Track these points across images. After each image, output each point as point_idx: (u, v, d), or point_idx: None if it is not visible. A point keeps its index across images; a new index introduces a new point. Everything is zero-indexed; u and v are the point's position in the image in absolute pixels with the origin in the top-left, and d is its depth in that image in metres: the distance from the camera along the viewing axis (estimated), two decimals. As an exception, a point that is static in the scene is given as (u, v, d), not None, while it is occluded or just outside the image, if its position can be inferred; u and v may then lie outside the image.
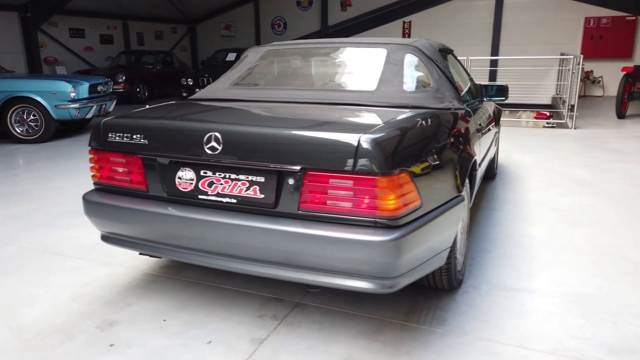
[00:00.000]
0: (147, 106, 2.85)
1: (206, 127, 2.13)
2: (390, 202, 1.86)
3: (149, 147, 2.25)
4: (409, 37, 15.52)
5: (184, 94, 11.96)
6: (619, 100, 9.21)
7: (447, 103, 2.67)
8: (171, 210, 2.21)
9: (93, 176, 2.49)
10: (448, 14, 14.94)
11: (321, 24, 16.40)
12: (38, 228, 3.80)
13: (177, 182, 2.24)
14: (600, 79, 14.03)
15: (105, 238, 2.54)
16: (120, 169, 2.37)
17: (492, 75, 14.30)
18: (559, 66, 12.21)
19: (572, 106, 8.61)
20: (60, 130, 8.55)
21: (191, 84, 11.78)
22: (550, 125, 8.71)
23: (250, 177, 2.08)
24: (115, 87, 11.91)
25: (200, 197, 2.19)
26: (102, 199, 2.39)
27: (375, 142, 1.85)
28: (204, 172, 2.18)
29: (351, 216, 1.93)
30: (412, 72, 2.74)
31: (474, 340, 2.24)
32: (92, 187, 4.94)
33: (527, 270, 2.96)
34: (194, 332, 2.36)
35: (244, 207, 2.11)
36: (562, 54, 12.36)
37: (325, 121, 2.16)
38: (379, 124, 2.03)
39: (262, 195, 2.06)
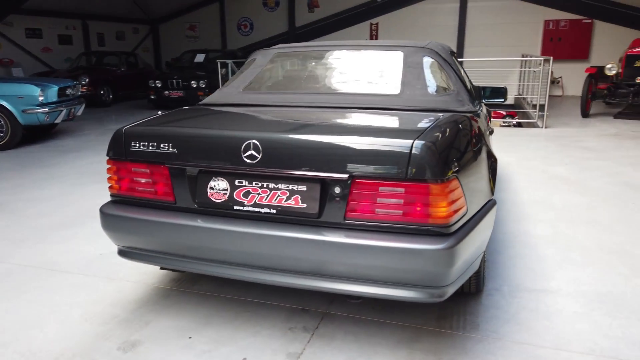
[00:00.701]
0: (160, 112, 2.71)
1: (244, 134, 2.03)
2: (442, 209, 1.84)
3: (179, 156, 2.13)
4: (376, 38, 15.67)
5: (152, 97, 11.61)
6: (584, 100, 9.59)
7: (467, 106, 2.68)
8: (203, 222, 2.10)
9: (111, 188, 2.35)
10: (414, 16, 15.16)
11: (289, 25, 16.31)
12: (26, 243, 3.56)
13: (208, 193, 2.13)
14: (559, 79, 14.59)
15: (124, 253, 2.39)
16: (143, 180, 2.24)
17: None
18: (521, 67, 12.63)
19: (542, 106, 8.89)
20: (25, 135, 8.10)
21: (160, 85, 11.45)
22: (506, 124, 8.97)
23: (290, 186, 2.00)
24: (79, 89, 11.41)
25: (235, 207, 2.09)
26: (124, 211, 2.25)
27: (428, 148, 1.82)
28: (239, 182, 2.08)
29: (401, 224, 1.89)
30: (432, 75, 2.73)
31: (511, 345, 2.25)
32: (75, 197, 4.69)
33: (541, 270, 3.01)
34: (225, 349, 2.26)
35: (284, 217, 2.03)
36: (523, 55, 12.79)
37: (367, 127, 2.11)
38: (424, 129, 1.99)
39: (305, 205, 1.99)
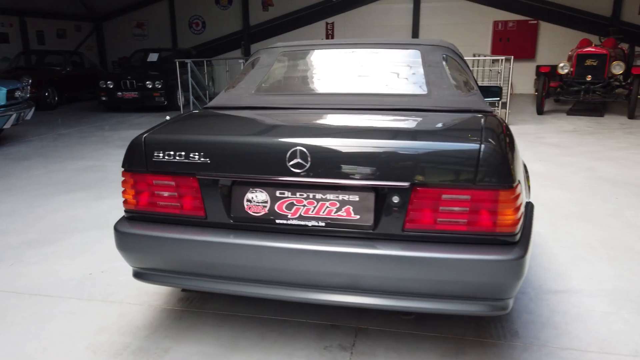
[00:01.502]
0: (167, 117, 2.46)
1: (289, 141, 1.85)
2: (510, 217, 1.74)
3: (211, 166, 1.91)
4: (332, 37, 15.63)
5: (103, 98, 10.97)
6: (540, 97, 9.97)
7: (489, 106, 2.61)
8: (240, 239, 1.90)
9: (126, 203, 2.09)
10: (369, 16, 15.24)
11: (243, 24, 15.94)
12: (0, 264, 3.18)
13: (245, 206, 1.93)
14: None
15: (140, 275, 2.14)
16: (167, 194, 2.00)
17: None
18: (476, 67, 12.98)
19: (504, 103, 9.15)
20: (-34, 142, 7.39)
21: (112, 86, 10.82)
22: None
23: (341, 196, 1.84)
24: (21, 91, 10.57)
25: (278, 221, 1.91)
26: (145, 229, 2.01)
27: (497, 152, 1.72)
28: (281, 193, 1.90)
29: (465, 234, 1.78)
30: (455, 74, 2.64)
31: (557, 351, 2.20)
32: (43, 209, 4.27)
33: (556, 270, 3.01)
34: (262, 375, 2.07)
35: (335, 230, 1.87)
36: (474, 55, 13.15)
37: (421, 130, 1.97)
38: (481, 131, 1.88)
39: (358, 216, 1.84)
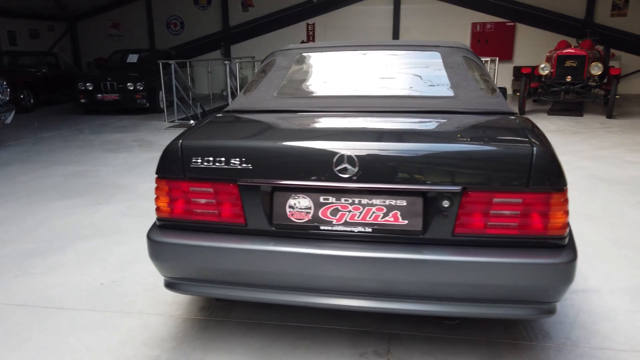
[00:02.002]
0: (192, 122, 2.38)
1: (336, 146, 1.81)
2: (560, 220, 1.75)
3: (253, 172, 1.86)
4: (313, 39, 15.61)
5: (82, 100, 10.66)
6: (522, 98, 10.16)
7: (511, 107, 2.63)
8: (284, 246, 1.85)
9: (159, 211, 2.01)
10: (350, 17, 15.27)
11: (222, 25, 15.75)
12: (3, 277, 3.03)
13: (288, 212, 1.88)
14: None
15: (172, 285, 2.07)
16: (204, 201, 1.94)
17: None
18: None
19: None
20: (-58, 147, 7.07)
21: (91, 88, 10.54)
22: None
23: (387, 201, 1.81)
24: (-5, 93, 10.19)
25: (322, 228, 1.86)
26: (181, 238, 1.94)
27: (549, 155, 1.72)
28: (325, 199, 1.86)
29: (516, 238, 1.77)
30: (476, 75, 2.65)
31: (591, 351, 2.22)
32: (39, 217, 4.11)
33: (571, 269, 3.04)
34: (303, 385, 2.02)
35: (382, 236, 1.84)
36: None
37: (468, 133, 1.96)
38: (526, 134, 1.88)
39: (406, 222, 1.81)
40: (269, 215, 1.90)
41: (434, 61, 2.73)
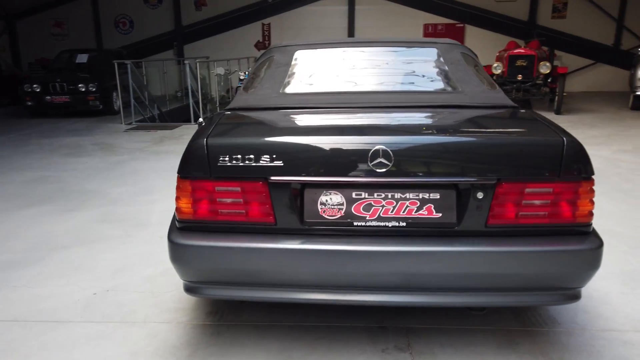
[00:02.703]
0: (201, 120, 2.30)
1: (371, 140, 1.80)
2: (587, 207, 1.82)
3: (284, 169, 1.81)
4: (269, 39, 15.49)
5: (29, 103, 10.06)
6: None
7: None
8: (317, 244, 1.82)
9: (180, 212, 1.92)
10: (306, 17, 15.28)
11: (175, 24, 15.33)
12: (-18, 291, 2.81)
13: (320, 209, 1.85)
14: (440, 78, 15.86)
15: (193, 289, 1.98)
16: (230, 200, 1.87)
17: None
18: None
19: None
20: None
21: (39, 90, 9.96)
22: None
23: (421, 195, 1.82)
24: None
25: (356, 224, 1.85)
26: (207, 240, 1.86)
27: (578, 145, 1.79)
28: (357, 194, 1.84)
29: (546, 227, 1.83)
30: (477, 71, 2.71)
31: (599, 333, 2.33)
32: (10, 225, 3.83)
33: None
34: (334, 385, 2.00)
35: (417, 230, 1.84)
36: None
37: (496, 126, 1.99)
38: (547, 127, 1.94)
39: (439, 215, 1.83)
40: (300, 212, 1.86)
41: (433, 57, 2.77)
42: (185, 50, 15.50)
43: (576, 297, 1.90)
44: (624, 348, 2.21)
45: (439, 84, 2.59)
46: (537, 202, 1.81)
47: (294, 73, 2.71)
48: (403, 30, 15.38)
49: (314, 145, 1.85)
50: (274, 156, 1.81)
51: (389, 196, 1.83)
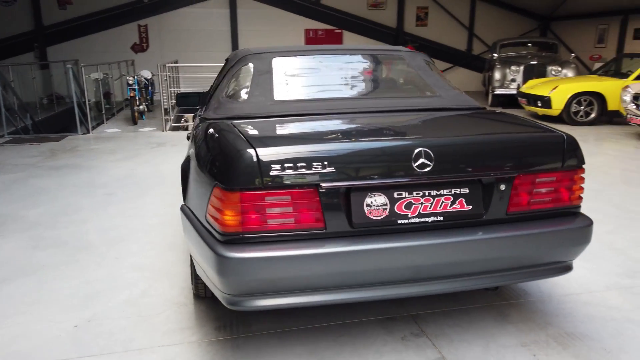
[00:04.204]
0: (211, 130, 2.24)
1: (414, 142, 1.94)
2: (579, 191, 2.18)
3: (335, 175, 1.87)
4: (147, 41, 14.69)
5: None
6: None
7: None
8: (367, 245, 1.92)
9: (225, 225, 1.86)
10: (186, 20, 14.78)
11: (35, 23, 13.73)
12: None
13: (366, 211, 1.95)
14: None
15: (238, 303, 1.94)
16: (280, 210, 1.87)
17: (236, 80, 14.95)
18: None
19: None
20: None
21: None
22: None
23: (453, 190, 2.03)
24: None
25: (400, 222, 1.98)
26: (260, 251, 1.84)
27: (573, 138, 2.13)
28: (399, 194, 1.98)
29: (550, 210, 2.15)
30: (441, 76, 3.00)
31: (563, 298, 2.76)
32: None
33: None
34: (377, 376, 2.11)
35: (452, 222, 2.04)
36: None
37: (504, 126, 2.26)
38: (537, 123, 2.28)
39: (470, 207, 2.04)
40: (348, 216, 1.94)
41: (404, 64, 3.01)
42: (49, 52, 14.00)
43: (570, 268, 2.26)
44: (586, 307, 2.66)
45: (420, 89, 2.83)
46: (544, 190, 2.12)
47: (280, 80, 2.74)
48: (286, 35, 15.71)
49: (360, 150, 1.94)
50: (325, 163, 1.87)
51: (427, 194, 2.00)
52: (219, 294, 2.01)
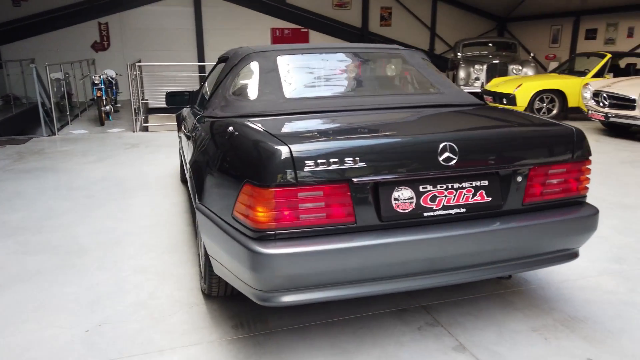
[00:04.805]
0: (231, 129, 2.24)
1: (439, 137, 2.01)
2: (586, 182, 2.31)
3: (366, 170, 1.92)
4: (108, 40, 14.25)
5: None
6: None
7: None
8: (395, 237, 1.97)
9: (257, 221, 1.87)
10: (149, 18, 14.44)
11: (-13, 21, 13.08)
12: None
13: (394, 205, 2.00)
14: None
15: (269, 299, 1.95)
16: (312, 205, 1.90)
17: (203, 81, 14.75)
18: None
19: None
20: None
21: None
22: None
23: (474, 183, 2.11)
24: None
25: (425, 214, 2.04)
26: (295, 246, 1.86)
27: (582, 132, 2.26)
28: (424, 188, 2.04)
29: (560, 200, 2.27)
30: (441, 73, 3.09)
31: (560, 284, 2.91)
32: None
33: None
34: (403, 365, 2.17)
35: (474, 214, 2.12)
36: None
37: (518, 120, 2.37)
38: (540, 118, 2.40)
39: (490, 198, 2.13)
40: (377, 210, 1.99)
41: (404, 62, 3.09)
42: (2, 51, 13.36)
43: (577, 255, 2.39)
44: (583, 292, 2.82)
45: (423, 86, 2.91)
46: (555, 180, 2.24)
47: (288, 78, 2.76)
48: (252, 34, 15.62)
49: (389, 145, 1.99)
50: (357, 158, 1.91)
51: (450, 187, 2.07)
52: (249, 291, 2.01)
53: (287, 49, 3.00)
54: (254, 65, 2.84)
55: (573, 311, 2.61)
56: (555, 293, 2.81)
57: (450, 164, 2.03)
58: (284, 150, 1.86)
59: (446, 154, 2.02)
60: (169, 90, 3.94)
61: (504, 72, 12.12)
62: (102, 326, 2.49)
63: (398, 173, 1.98)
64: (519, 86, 9.56)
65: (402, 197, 2.02)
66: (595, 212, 2.29)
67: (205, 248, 2.48)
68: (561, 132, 2.25)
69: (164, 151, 7.06)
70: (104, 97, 9.52)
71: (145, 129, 8.85)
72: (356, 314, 2.58)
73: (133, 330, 2.45)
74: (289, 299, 1.98)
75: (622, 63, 11.08)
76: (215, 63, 3.95)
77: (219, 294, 2.63)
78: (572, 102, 9.58)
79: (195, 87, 13.99)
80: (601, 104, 8.02)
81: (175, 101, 3.91)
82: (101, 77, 9.58)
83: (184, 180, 5.25)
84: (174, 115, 10.90)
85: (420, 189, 2.05)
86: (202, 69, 14.76)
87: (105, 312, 2.62)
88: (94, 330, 2.45)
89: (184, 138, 3.94)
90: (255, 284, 1.93)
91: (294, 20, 16.11)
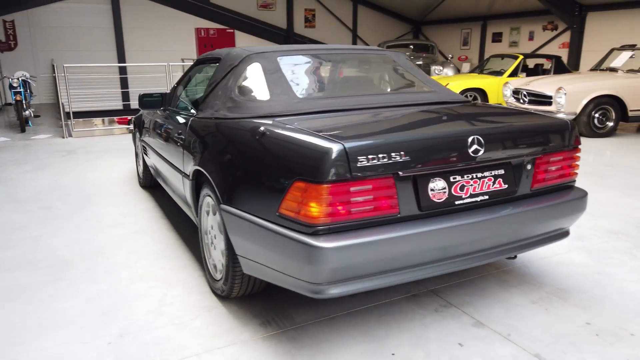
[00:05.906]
0: (262, 129, 2.27)
1: (468, 130, 2.19)
2: (576, 168, 2.63)
3: (410, 164, 2.05)
4: (14, 38, 13.11)
5: None
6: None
7: None
8: (434, 225, 2.13)
9: (311, 217, 1.93)
10: (61, 15, 13.50)
11: None
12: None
13: (430, 195, 2.16)
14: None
15: (322, 291, 2.02)
16: (362, 198, 2.00)
17: (124, 83, 14.03)
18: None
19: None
20: None
21: None
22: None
23: (493, 172, 2.33)
24: None
25: (456, 202, 2.22)
26: (349, 239, 1.95)
27: (574, 123, 2.56)
28: (454, 178, 2.22)
29: (558, 185, 2.56)
30: (426, 73, 3.32)
31: (544, 260, 3.25)
32: None
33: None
34: (433, 345, 2.33)
35: (495, 200, 2.33)
36: (183, 60, 13.63)
37: (524, 114, 2.62)
38: (528, 110, 2.69)
39: (506, 185, 2.36)
40: (417, 200, 2.13)
41: (394, 63, 3.27)
42: None
43: (568, 233, 2.71)
44: (560, 267, 3.17)
45: (419, 85, 3.11)
46: (553, 167, 2.53)
47: (295, 79, 2.82)
48: (176, 34, 15.16)
49: (429, 138, 2.14)
50: (402, 152, 2.04)
51: (474, 176, 2.27)
52: (300, 285, 2.06)
53: (286, 49, 3.05)
54: (257, 66, 2.87)
55: (559, 284, 2.94)
56: (537, 270, 3.13)
57: (478, 155, 2.23)
58: (339, 147, 1.94)
59: (475, 146, 2.21)
60: (142, 92, 3.81)
61: (426, 73, 12.87)
62: (124, 337, 2.40)
63: (434, 165, 2.14)
64: (446, 85, 10.24)
65: (437, 188, 2.19)
66: (585, 194, 2.62)
67: (227, 250, 2.48)
68: (560, 124, 2.55)
69: (107, 157, 6.70)
70: (23, 102, 8.80)
71: (80, 134, 8.31)
72: (373, 303, 2.71)
73: (159, 337, 2.39)
74: (338, 290, 2.06)
75: (531, 63, 12.25)
76: (192, 64, 3.88)
77: (239, 294, 2.63)
78: (492, 99, 10.44)
79: (117, 90, 13.29)
80: (521, 101, 8.83)
81: (150, 103, 3.80)
82: (19, 79, 8.84)
83: (145, 185, 5.06)
84: (100, 119, 10.31)
85: (451, 179, 2.23)
86: (123, 70, 14.06)
87: (120, 322, 2.52)
88: (116, 342, 2.35)
89: (158, 141, 3.83)
90: (310, 277, 1.99)
91: (219, 20, 15.88)
